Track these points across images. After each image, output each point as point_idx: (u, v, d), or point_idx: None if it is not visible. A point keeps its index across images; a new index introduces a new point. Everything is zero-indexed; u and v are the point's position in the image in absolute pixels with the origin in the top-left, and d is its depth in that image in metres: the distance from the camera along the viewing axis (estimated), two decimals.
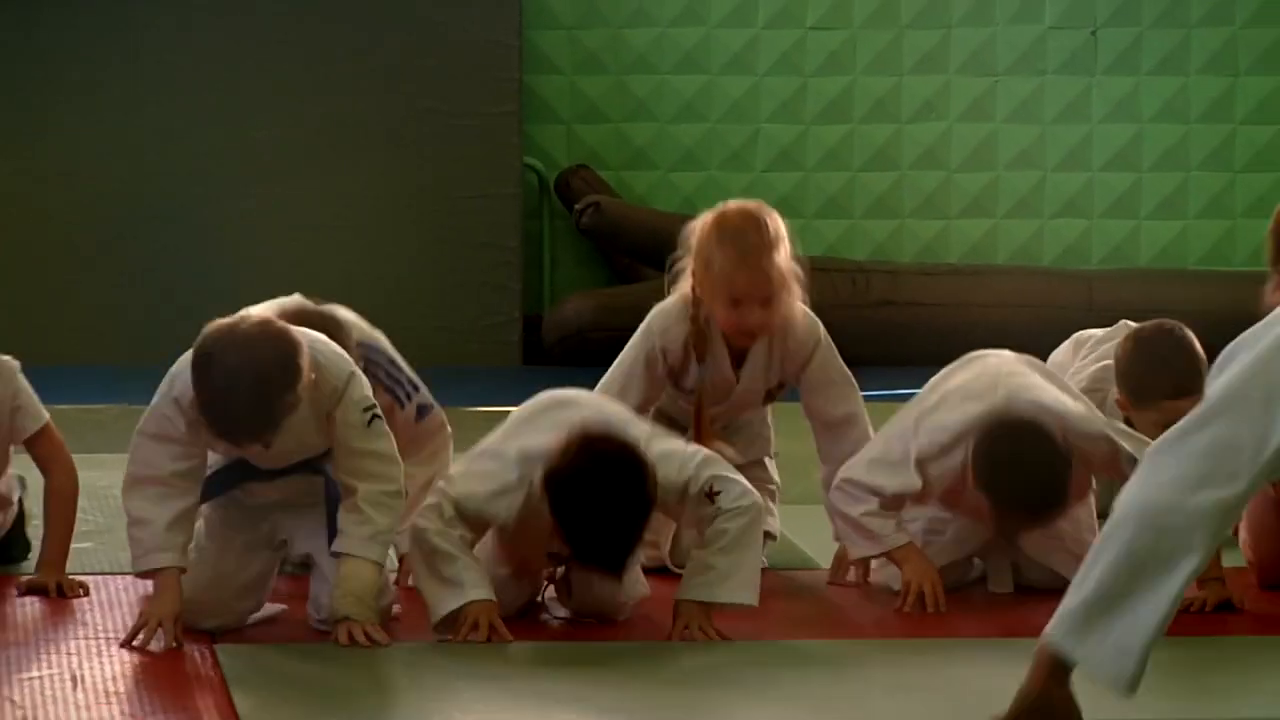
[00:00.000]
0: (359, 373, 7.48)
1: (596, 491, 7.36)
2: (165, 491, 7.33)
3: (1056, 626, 6.05)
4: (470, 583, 7.51)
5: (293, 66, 14.90)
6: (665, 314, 8.44)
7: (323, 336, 7.50)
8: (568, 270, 14.48)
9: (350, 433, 7.41)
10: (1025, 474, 7.67)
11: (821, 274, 13.66)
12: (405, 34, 14.62)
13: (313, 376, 7.27)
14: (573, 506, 7.34)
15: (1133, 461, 7.58)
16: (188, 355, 7.34)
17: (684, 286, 8.36)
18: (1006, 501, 7.61)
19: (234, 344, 7.22)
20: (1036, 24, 14.74)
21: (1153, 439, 7.65)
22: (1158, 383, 8.65)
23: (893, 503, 7.77)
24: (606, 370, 10.07)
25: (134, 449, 7.44)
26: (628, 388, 8.44)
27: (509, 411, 9.49)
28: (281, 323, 7.39)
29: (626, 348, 8.58)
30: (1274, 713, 7.05)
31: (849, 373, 8.43)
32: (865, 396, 10.00)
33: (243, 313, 7.51)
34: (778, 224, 8.18)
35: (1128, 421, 8.40)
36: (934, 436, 7.75)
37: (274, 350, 7.17)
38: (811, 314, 8.40)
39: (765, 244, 8.12)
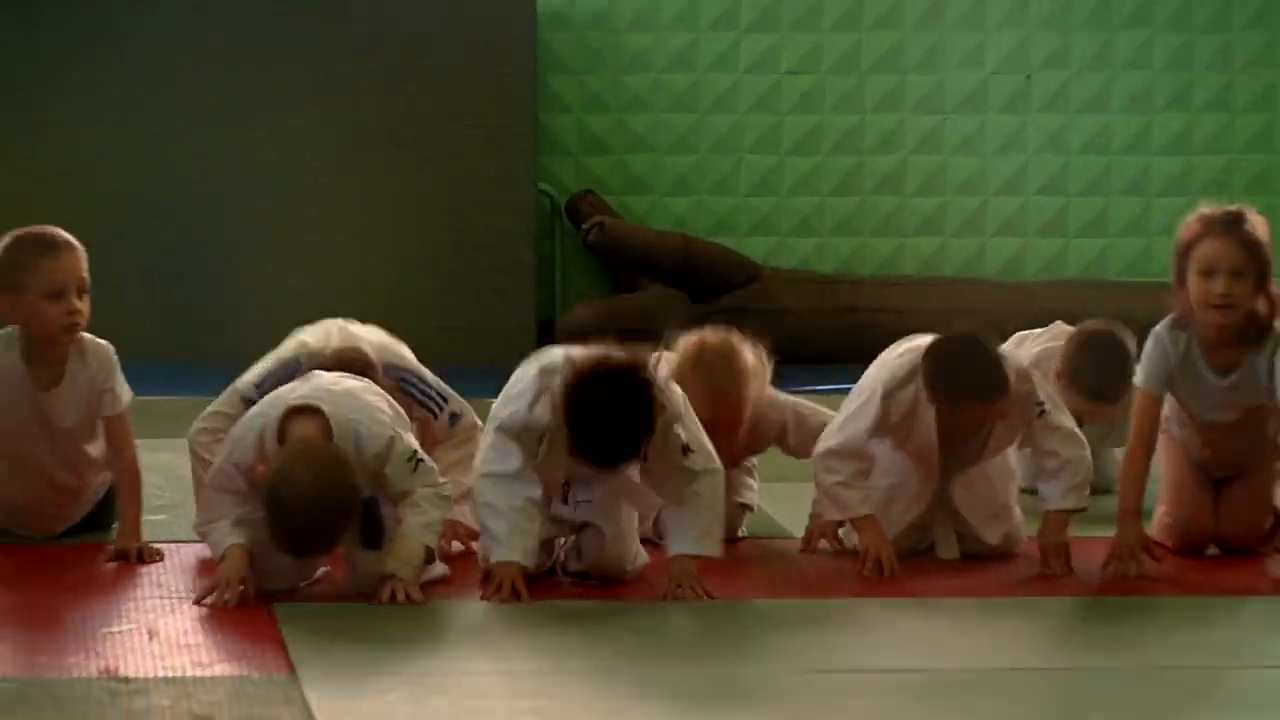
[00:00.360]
0: (397, 435, 7.49)
1: (604, 387, 7.32)
2: (231, 508, 7.38)
3: None
4: (503, 542, 7.53)
5: (322, 83, 14.03)
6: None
7: (364, 405, 7.50)
8: (576, 281, 14.28)
9: (400, 480, 7.46)
10: (968, 364, 7.57)
11: (796, 284, 14.16)
12: (437, 79, 14.00)
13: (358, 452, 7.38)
14: (580, 399, 7.30)
15: (1042, 413, 7.63)
16: (246, 422, 7.50)
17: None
18: (961, 394, 7.52)
19: (303, 484, 7.22)
20: (979, 70, 14.41)
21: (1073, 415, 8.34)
22: (1090, 381, 8.73)
23: (862, 455, 7.62)
24: None
25: (204, 500, 7.57)
26: None
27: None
28: (341, 453, 7.33)
29: None
30: (1181, 661, 7.00)
31: (821, 411, 8.24)
32: (831, 389, 10.59)
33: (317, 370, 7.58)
34: (745, 360, 8.00)
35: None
36: (894, 370, 7.62)
37: (338, 493, 7.21)
38: (777, 400, 8.24)
39: (735, 379, 7.97)
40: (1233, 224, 7.76)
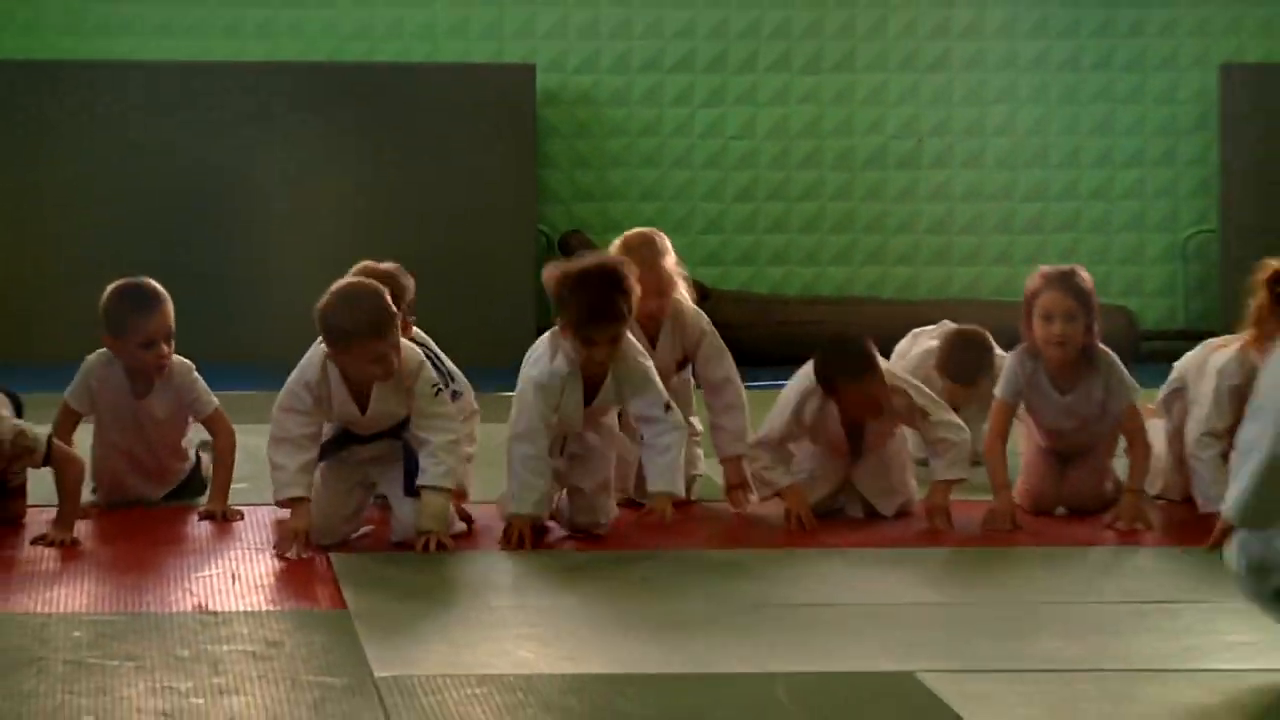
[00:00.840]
0: (424, 362, 7.54)
1: (587, 265, 7.47)
2: (296, 447, 7.43)
3: (1228, 509, 6.19)
4: (518, 498, 7.56)
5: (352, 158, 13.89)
6: None
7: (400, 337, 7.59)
8: None
9: (422, 401, 7.44)
10: (839, 354, 7.66)
11: (738, 302, 13.98)
12: (457, 145, 13.98)
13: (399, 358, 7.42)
14: (572, 276, 7.40)
15: (925, 415, 7.87)
16: (312, 349, 7.52)
17: None
18: (837, 376, 7.67)
19: (354, 284, 7.37)
20: (881, 134, 14.44)
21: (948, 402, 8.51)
22: (954, 370, 8.98)
23: (781, 446, 7.80)
24: None
25: (274, 418, 7.54)
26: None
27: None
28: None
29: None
30: (1038, 597, 7.13)
31: (726, 349, 8.39)
32: (764, 385, 10.79)
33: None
34: (665, 240, 8.14)
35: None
36: (805, 381, 7.72)
37: (378, 290, 7.30)
38: (697, 309, 8.33)
39: (657, 253, 8.08)
40: (1067, 279, 8.06)
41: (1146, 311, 14.46)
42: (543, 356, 7.88)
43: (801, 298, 14.42)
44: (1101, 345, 8.22)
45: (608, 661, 6.43)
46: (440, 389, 7.62)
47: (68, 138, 14.02)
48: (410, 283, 8.17)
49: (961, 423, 8.14)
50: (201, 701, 6.37)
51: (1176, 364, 8.89)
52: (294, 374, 7.68)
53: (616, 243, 8.29)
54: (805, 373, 8.02)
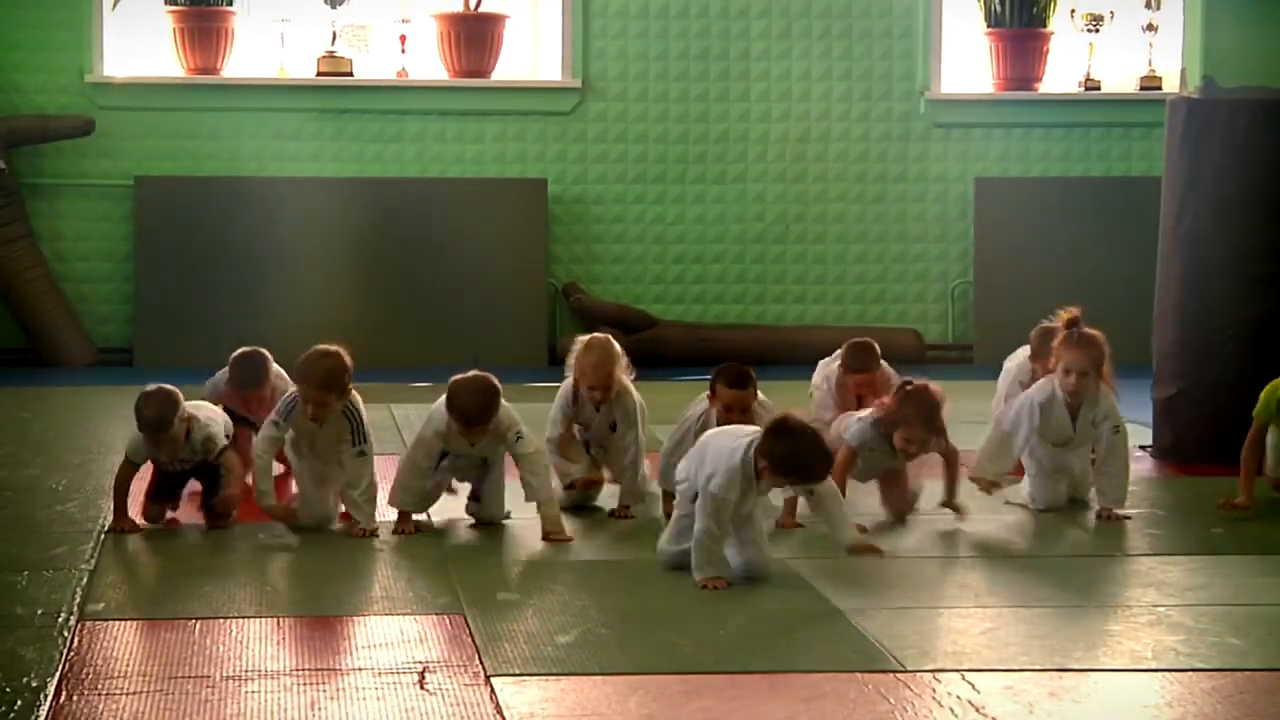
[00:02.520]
0: (514, 420, 7.73)
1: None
2: (420, 475, 7.72)
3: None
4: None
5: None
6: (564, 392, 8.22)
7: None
8: (566, 327, 14.24)
9: (511, 444, 7.75)
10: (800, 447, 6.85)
11: (674, 328, 14.43)
12: (486, 234, 14.19)
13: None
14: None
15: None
16: (437, 405, 7.72)
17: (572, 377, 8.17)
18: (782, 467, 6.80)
19: (473, 382, 7.71)
20: (761, 222, 14.60)
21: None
22: (857, 362, 8.76)
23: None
24: None
25: (405, 461, 7.79)
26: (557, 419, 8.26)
27: (544, 386, 10.76)
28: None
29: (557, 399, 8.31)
30: (930, 553, 7.47)
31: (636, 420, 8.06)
32: (688, 379, 12.06)
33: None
34: (617, 347, 8.10)
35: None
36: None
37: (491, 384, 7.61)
38: (629, 386, 8.11)
39: (610, 358, 8.06)
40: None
41: (928, 332, 14.81)
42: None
43: (716, 324, 14.61)
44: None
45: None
46: (520, 436, 7.73)
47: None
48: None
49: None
50: (337, 576, 7.11)
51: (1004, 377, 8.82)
52: (424, 425, 7.76)
53: (581, 341, 8.19)
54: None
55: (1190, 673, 5.89)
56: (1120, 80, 14.90)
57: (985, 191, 14.60)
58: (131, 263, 13.82)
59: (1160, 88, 14.42)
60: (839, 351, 9.03)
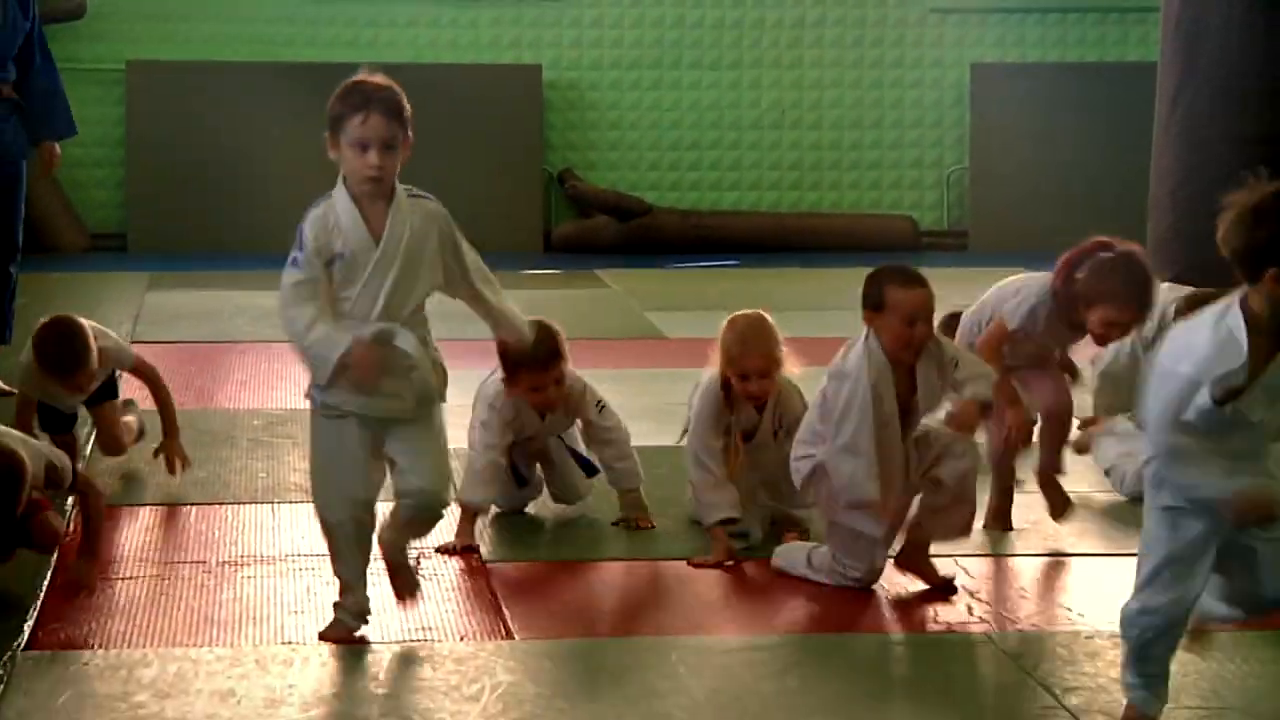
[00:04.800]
0: (588, 385, 6.40)
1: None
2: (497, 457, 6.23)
3: None
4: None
5: None
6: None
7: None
8: (561, 212, 14.63)
9: (590, 414, 6.37)
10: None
11: (668, 213, 14.53)
12: (492, 114, 14.23)
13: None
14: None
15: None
16: (488, 381, 6.31)
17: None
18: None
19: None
20: (756, 109, 14.66)
21: None
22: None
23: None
24: (575, 255, 12.83)
25: (477, 436, 6.27)
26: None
27: (539, 272, 12.27)
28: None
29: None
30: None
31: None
32: (685, 265, 12.35)
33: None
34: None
35: None
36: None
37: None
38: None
39: (769, 337, 6.06)
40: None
41: (924, 219, 14.99)
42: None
43: (709, 210, 14.81)
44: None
45: None
46: (604, 407, 6.41)
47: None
48: None
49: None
50: None
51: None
52: (481, 405, 6.32)
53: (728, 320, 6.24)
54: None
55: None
56: None
57: (981, 77, 14.77)
58: (124, 148, 13.93)
59: None
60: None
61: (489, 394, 6.29)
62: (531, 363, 6.15)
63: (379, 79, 5.11)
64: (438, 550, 5.95)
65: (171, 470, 6.77)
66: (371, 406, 5.03)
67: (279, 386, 8.57)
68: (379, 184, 5.03)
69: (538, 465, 6.58)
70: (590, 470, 6.47)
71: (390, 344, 4.99)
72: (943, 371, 5.56)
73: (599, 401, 6.39)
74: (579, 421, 6.44)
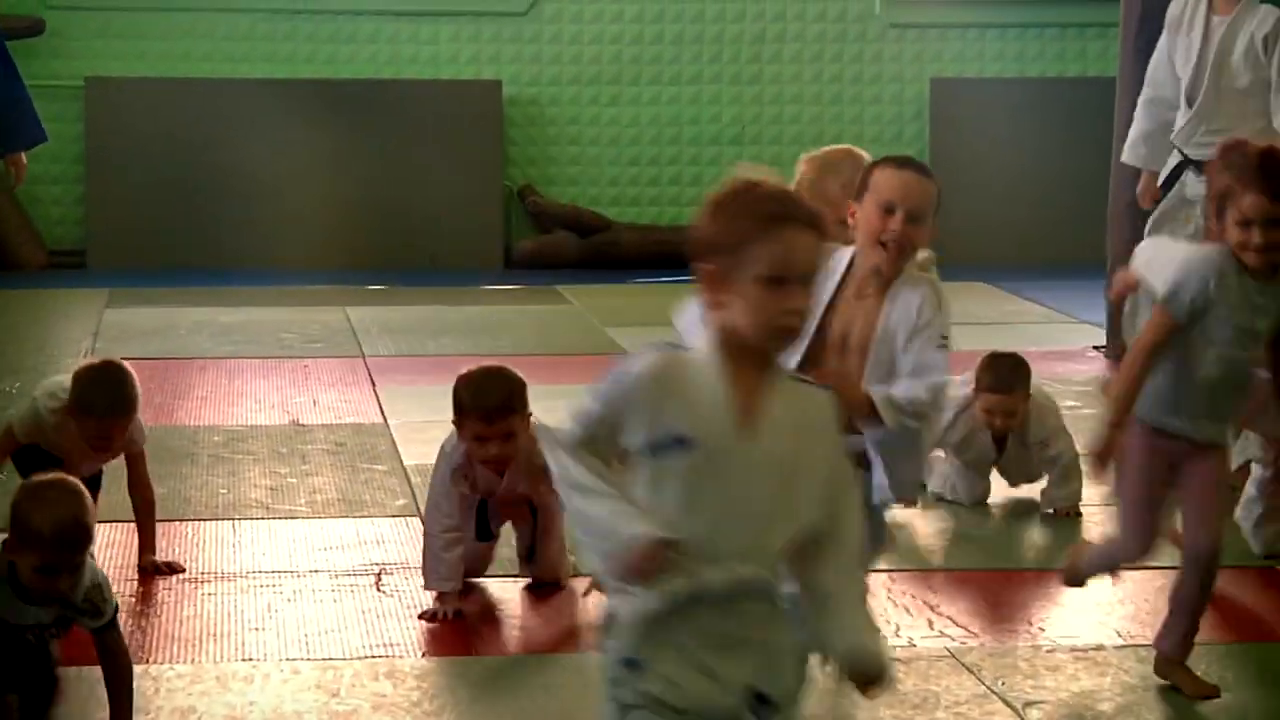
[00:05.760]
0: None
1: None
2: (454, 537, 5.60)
3: None
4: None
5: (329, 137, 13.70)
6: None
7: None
8: (521, 228, 14.31)
9: (550, 497, 5.51)
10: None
11: (628, 230, 14.09)
12: (456, 126, 13.98)
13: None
14: None
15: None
16: (446, 445, 5.71)
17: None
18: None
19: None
20: (716, 126, 14.46)
21: None
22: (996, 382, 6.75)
23: None
24: (535, 272, 12.72)
25: (431, 508, 5.68)
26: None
27: (499, 288, 12.20)
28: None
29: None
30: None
31: None
32: (645, 280, 12.32)
33: None
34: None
35: None
36: None
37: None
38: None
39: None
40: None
41: None
42: None
43: (665, 225, 14.40)
44: None
45: None
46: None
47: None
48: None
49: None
50: (294, 480, 7.08)
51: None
52: (435, 476, 5.72)
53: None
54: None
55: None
56: None
57: (941, 92, 14.58)
58: (83, 164, 13.78)
59: None
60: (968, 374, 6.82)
61: (448, 447, 5.72)
62: (479, 410, 5.51)
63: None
64: (421, 617, 5.59)
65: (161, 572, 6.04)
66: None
67: (239, 403, 8.62)
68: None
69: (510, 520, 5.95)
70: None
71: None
72: (920, 314, 4.46)
73: None
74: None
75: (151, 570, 5.98)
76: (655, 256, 13.98)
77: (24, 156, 7.85)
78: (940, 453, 6.63)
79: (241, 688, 5.01)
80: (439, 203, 13.89)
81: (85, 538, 4.61)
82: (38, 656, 4.83)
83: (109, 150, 13.95)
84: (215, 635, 5.44)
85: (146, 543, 6.03)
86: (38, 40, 13.62)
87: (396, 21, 14.54)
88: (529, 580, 5.84)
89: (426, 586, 5.58)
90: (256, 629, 5.50)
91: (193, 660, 5.21)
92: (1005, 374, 6.62)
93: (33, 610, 4.68)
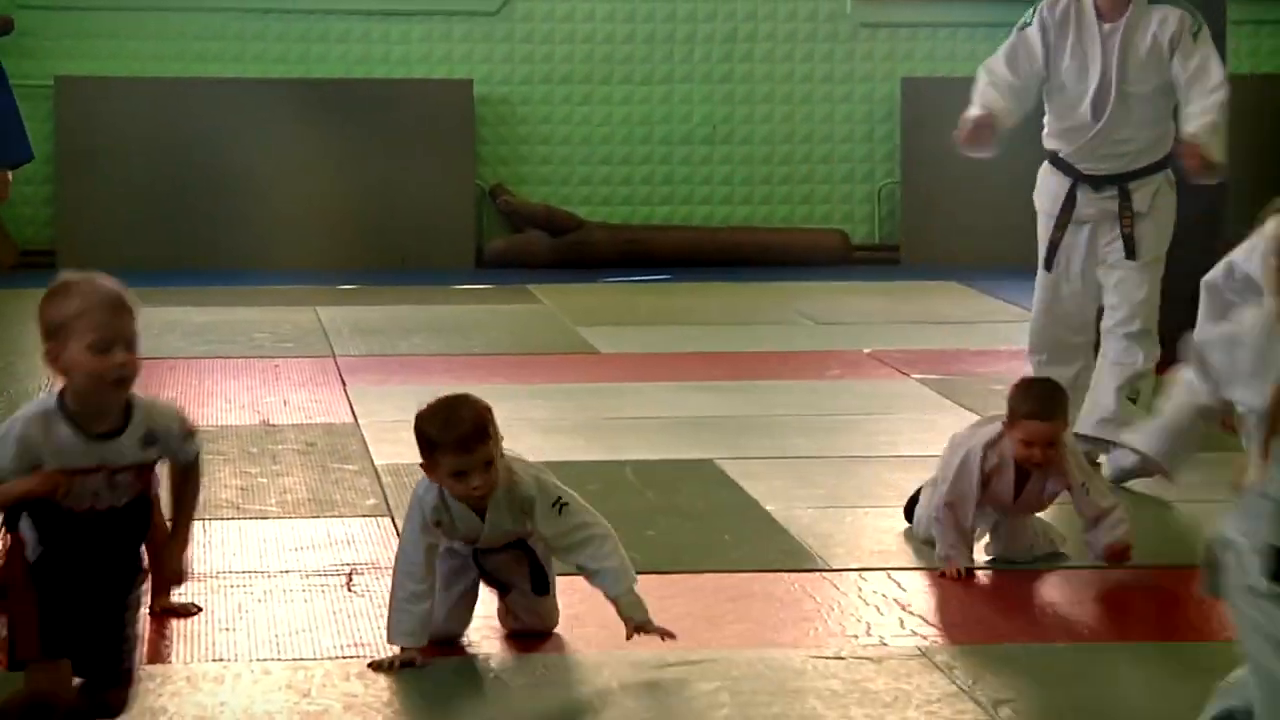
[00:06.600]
0: (542, 478, 5.27)
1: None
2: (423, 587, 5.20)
3: None
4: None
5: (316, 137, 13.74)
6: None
7: (515, 453, 5.28)
8: (493, 227, 14.25)
9: (549, 523, 5.24)
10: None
11: (599, 229, 14.20)
12: (429, 128, 13.99)
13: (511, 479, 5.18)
14: None
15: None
16: (418, 489, 5.27)
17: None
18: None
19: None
20: (687, 125, 14.51)
21: None
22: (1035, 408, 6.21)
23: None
24: (507, 271, 12.94)
25: (400, 557, 5.29)
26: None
27: (470, 288, 12.28)
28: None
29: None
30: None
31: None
32: (616, 280, 12.38)
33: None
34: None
35: None
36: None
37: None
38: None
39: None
40: None
41: (855, 233, 14.71)
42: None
43: (640, 224, 14.49)
44: None
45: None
46: (564, 505, 5.23)
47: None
48: None
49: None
50: (265, 480, 7.11)
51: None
52: (408, 518, 5.34)
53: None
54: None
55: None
56: None
57: (912, 91, 14.56)
58: (53, 164, 13.76)
59: None
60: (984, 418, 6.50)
61: (420, 491, 5.24)
62: (453, 442, 5.05)
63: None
64: (370, 666, 5.18)
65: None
66: None
67: (209, 403, 8.61)
68: None
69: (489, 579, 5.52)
70: (541, 587, 5.35)
71: None
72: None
73: (558, 500, 5.19)
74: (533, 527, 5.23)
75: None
76: (627, 255, 14.06)
77: (9, 175, 7.53)
78: (930, 488, 6.29)
79: (212, 688, 4.99)
80: (410, 202, 13.90)
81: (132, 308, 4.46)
82: (110, 617, 4.47)
83: (79, 150, 13.96)
84: (185, 635, 5.42)
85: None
86: (7, 40, 13.57)
87: (367, 21, 14.57)
88: (507, 633, 5.51)
89: (390, 640, 5.24)
90: (227, 629, 5.49)
91: (163, 661, 5.20)
92: (1045, 399, 6.04)
93: (92, 479, 4.34)
